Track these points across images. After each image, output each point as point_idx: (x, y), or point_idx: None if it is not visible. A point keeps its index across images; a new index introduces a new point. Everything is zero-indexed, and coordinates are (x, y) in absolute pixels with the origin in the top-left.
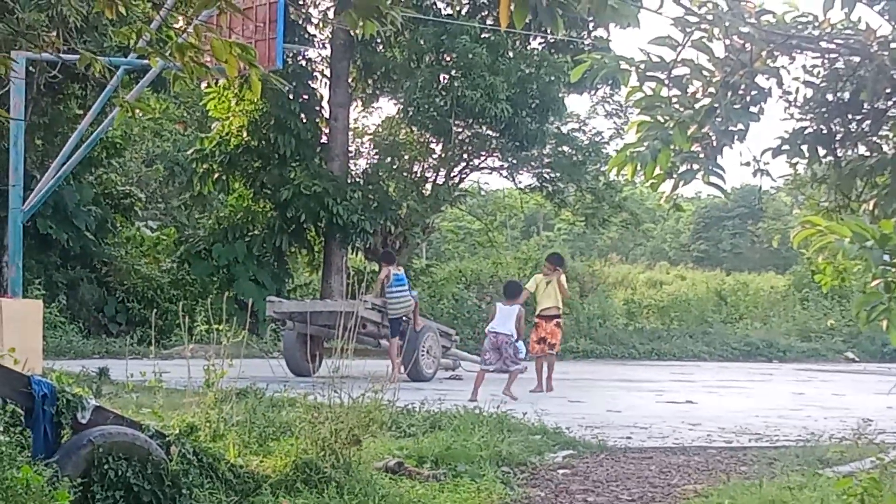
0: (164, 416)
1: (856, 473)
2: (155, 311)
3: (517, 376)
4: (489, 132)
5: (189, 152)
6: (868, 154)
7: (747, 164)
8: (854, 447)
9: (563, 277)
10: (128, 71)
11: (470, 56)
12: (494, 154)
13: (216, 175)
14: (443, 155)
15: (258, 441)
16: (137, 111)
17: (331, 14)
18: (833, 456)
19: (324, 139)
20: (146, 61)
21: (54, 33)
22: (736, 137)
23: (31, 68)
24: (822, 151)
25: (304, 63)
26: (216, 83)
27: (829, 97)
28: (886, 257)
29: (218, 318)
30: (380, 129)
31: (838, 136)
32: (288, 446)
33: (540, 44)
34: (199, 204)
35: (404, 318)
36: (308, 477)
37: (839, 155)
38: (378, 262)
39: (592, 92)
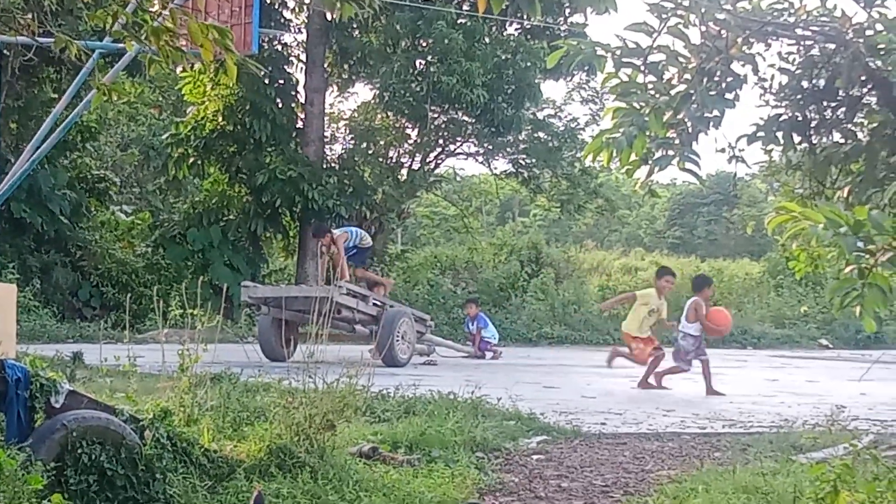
0: (138, 401)
1: (829, 460)
2: (129, 295)
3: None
4: (465, 118)
5: (164, 137)
6: (843, 141)
7: (722, 150)
8: (827, 433)
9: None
10: (103, 55)
11: (446, 41)
12: (470, 140)
13: (191, 159)
14: (418, 140)
15: (232, 426)
16: (113, 95)
17: None
18: (807, 442)
19: (299, 124)
20: (122, 45)
21: (29, 16)
22: (711, 124)
23: (5, 51)
24: (797, 138)
25: (279, 48)
26: (192, 67)
27: (805, 84)
28: (860, 244)
29: (192, 303)
30: (355, 115)
31: (813, 124)
32: (262, 431)
33: (516, 30)
34: (174, 188)
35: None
36: (282, 462)
37: (814, 142)
38: (316, 236)
39: (568, 78)
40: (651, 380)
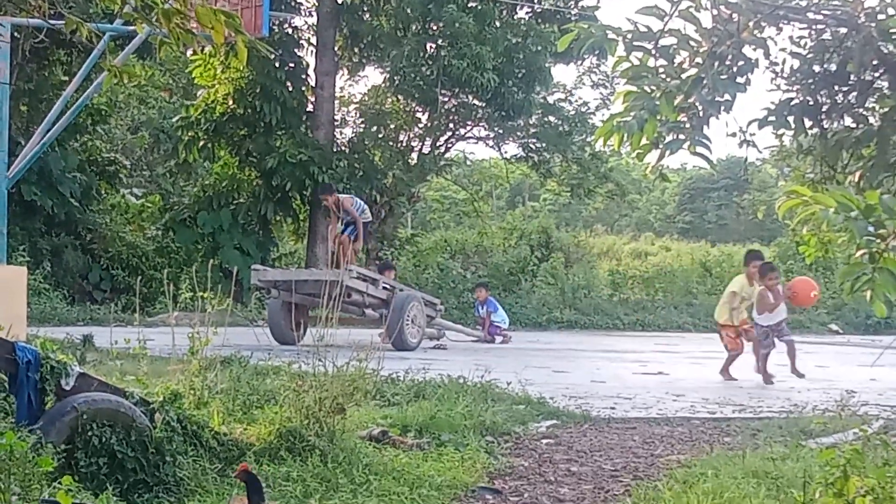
0: (149, 384)
1: (839, 445)
2: (139, 278)
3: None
4: (475, 102)
5: (174, 120)
6: (854, 126)
7: (733, 134)
8: (837, 419)
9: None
10: (113, 37)
11: (456, 25)
12: (480, 124)
13: (201, 143)
14: (429, 124)
15: (242, 409)
16: (124, 77)
17: None
18: (816, 427)
19: (310, 108)
20: (132, 27)
21: None
22: (722, 108)
23: (16, 34)
24: (808, 123)
25: (290, 31)
26: (202, 50)
27: (816, 68)
28: (871, 228)
29: (202, 286)
30: (366, 98)
31: (824, 108)
32: (272, 414)
33: (527, 13)
34: (185, 171)
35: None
36: (292, 445)
37: (825, 126)
38: (322, 194)
39: (579, 62)
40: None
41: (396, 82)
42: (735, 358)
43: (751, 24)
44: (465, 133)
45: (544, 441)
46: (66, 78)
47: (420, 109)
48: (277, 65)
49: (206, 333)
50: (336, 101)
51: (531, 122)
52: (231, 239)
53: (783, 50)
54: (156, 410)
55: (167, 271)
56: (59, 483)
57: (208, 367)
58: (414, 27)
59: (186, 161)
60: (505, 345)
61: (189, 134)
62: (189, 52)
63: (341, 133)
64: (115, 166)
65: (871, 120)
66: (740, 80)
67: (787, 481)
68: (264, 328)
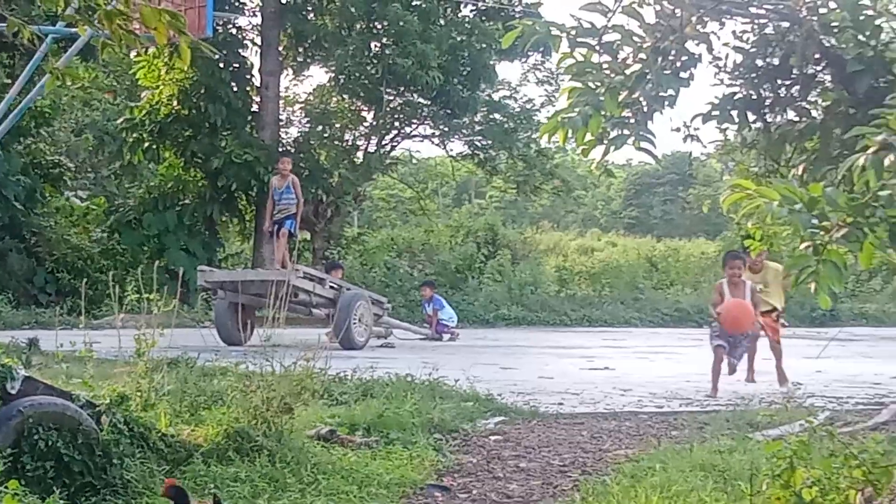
0: (95, 386)
1: (785, 437)
2: (85, 281)
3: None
4: (420, 100)
5: (119, 121)
6: (797, 119)
7: (678, 129)
8: (784, 411)
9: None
10: (56, 39)
11: (401, 24)
12: (426, 122)
13: (146, 144)
14: (374, 123)
15: (189, 410)
16: (67, 79)
17: None
18: (763, 420)
19: (255, 108)
20: (74, 29)
21: None
22: (666, 103)
23: None
24: (751, 117)
25: (234, 31)
26: (146, 52)
27: (759, 63)
28: (815, 221)
29: (148, 288)
30: (311, 98)
31: (768, 102)
32: (219, 415)
33: (471, 11)
34: (129, 173)
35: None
36: (240, 445)
37: (768, 120)
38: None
39: (524, 59)
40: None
41: (341, 81)
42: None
43: (693, 19)
44: (411, 131)
45: (492, 438)
46: (9, 81)
47: (365, 108)
48: (222, 65)
49: (153, 335)
50: (281, 101)
51: (476, 120)
52: (177, 240)
53: (726, 45)
54: (102, 413)
55: (113, 273)
56: (6, 487)
57: (155, 369)
58: (358, 26)
59: (131, 163)
60: (453, 342)
61: (133, 135)
62: (133, 54)
63: (286, 133)
64: (60, 169)
65: (814, 113)
66: (684, 75)
67: (735, 474)
68: (211, 329)
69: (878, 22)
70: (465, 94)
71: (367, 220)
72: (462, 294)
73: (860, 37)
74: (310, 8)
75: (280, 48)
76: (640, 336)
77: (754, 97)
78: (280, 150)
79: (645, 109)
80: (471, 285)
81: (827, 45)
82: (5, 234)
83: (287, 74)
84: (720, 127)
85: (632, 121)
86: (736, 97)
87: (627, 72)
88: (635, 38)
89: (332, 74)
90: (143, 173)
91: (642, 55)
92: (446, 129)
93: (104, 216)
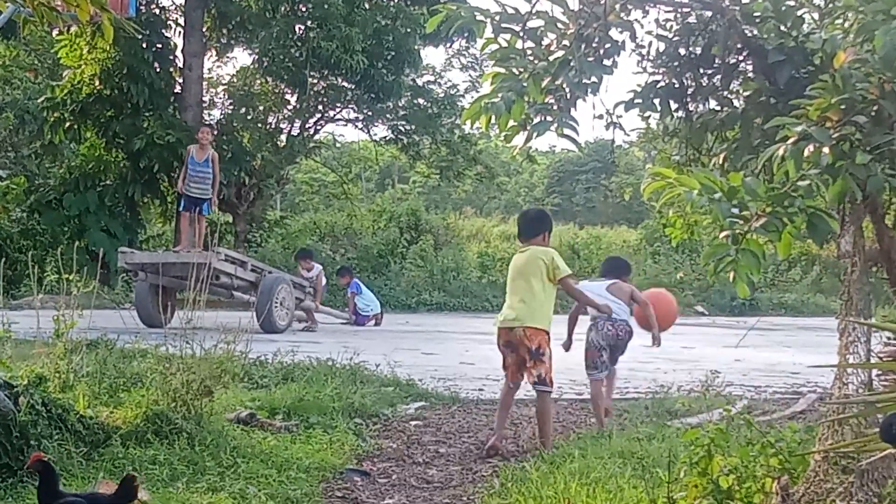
0: (13, 367)
1: (703, 425)
2: (3, 260)
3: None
4: (344, 84)
5: (40, 101)
6: (718, 108)
7: (600, 117)
8: (702, 399)
9: None
10: None
11: (326, 6)
12: (350, 106)
13: (67, 124)
14: (298, 106)
15: (108, 392)
16: None
17: None
18: (682, 408)
19: (177, 89)
20: None
21: None
22: (589, 90)
23: None
24: (673, 105)
25: (157, 11)
26: (68, 30)
27: (682, 51)
28: (734, 210)
29: (68, 269)
30: (234, 80)
31: (690, 91)
32: (139, 397)
33: None
34: (50, 153)
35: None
36: (159, 428)
37: (690, 109)
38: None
39: (448, 45)
40: None
41: (265, 64)
42: None
43: (617, 6)
44: (335, 115)
45: (413, 423)
46: None
47: (289, 91)
48: (145, 45)
49: (72, 316)
50: (204, 83)
51: (400, 105)
52: (98, 221)
53: (649, 33)
54: (20, 394)
55: (32, 254)
56: None
57: (74, 350)
58: (283, 8)
59: (52, 142)
60: (375, 327)
61: (55, 115)
62: (55, 32)
63: (210, 115)
64: None
65: (736, 103)
66: (607, 62)
67: (653, 461)
68: (131, 311)
69: (799, 13)
70: (390, 79)
71: (290, 204)
72: (384, 279)
73: (782, 27)
74: None
75: (204, 29)
76: (561, 323)
77: (677, 86)
78: None
79: (568, 96)
80: (393, 270)
81: (749, 34)
82: None
83: (210, 56)
84: (642, 115)
85: (555, 107)
86: (658, 85)
87: (551, 58)
88: (559, 25)
89: (256, 57)
90: (63, 153)
91: (566, 42)
92: (370, 113)
93: (24, 196)
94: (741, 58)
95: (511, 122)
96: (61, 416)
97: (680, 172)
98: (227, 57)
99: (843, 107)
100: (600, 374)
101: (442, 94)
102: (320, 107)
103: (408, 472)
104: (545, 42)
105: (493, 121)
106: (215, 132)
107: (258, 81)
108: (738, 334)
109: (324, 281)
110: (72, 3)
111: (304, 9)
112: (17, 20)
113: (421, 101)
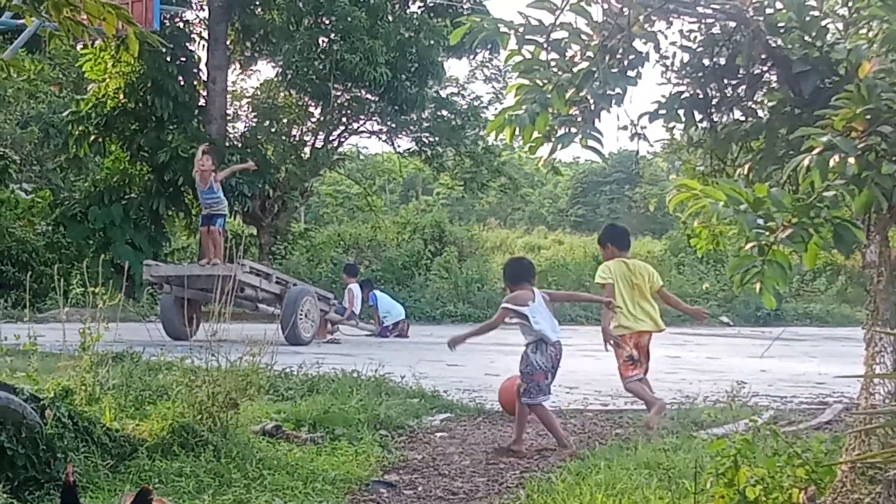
0: (39, 380)
1: (729, 435)
2: (29, 274)
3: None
4: (368, 96)
5: (65, 114)
6: (743, 119)
7: (625, 128)
8: (728, 409)
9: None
10: (1, 31)
11: (349, 19)
12: (373, 118)
13: (92, 137)
14: (321, 118)
15: (134, 405)
16: (13, 71)
17: None
18: (707, 418)
19: (202, 102)
20: (21, 20)
21: None
22: (613, 101)
23: None
24: (698, 116)
25: (181, 25)
26: (92, 44)
27: (706, 62)
28: (760, 221)
29: (94, 282)
30: (258, 93)
31: (714, 101)
32: (165, 410)
33: (419, 7)
34: (75, 166)
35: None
36: (185, 440)
37: (715, 119)
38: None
39: (472, 56)
40: None
41: (289, 76)
42: None
43: (641, 17)
44: (358, 127)
45: (438, 434)
46: None
47: (313, 104)
48: (169, 59)
49: (98, 329)
50: (228, 96)
51: (424, 117)
52: (122, 234)
53: (673, 44)
54: (46, 407)
55: (58, 267)
56: None
57: (100, 363)
58: (306, 21)
59: (77, 156)
60: (400, 338)
61: (79, 128)
62: (79, 46)
63: (233, 127)
64: (5, 161)
65: (760, 113)
66: (631, 73)
67: (679, 472)
68: (156, 323)
69: (824, 23)
70: (413, 91)
71: (314, 216)
72: (409, 291)
73: (806, 37)
74: (257, 3)
75: (227, 42)
76: (586, 334)
77: (701, 96)
78: (227, 145)
79: (592, 107)
80: (417, 282)
81: (773, 45)
82: None
83: (234, 69)
84: (667, 126)
85: (579, 119)
86: (683, 96)
87: (575, 69)
88: (583, 36)
89: (280, 69)
90: (88, 166)
91: (590, 53)
92: (394, 125)
93: (49, 209)
94: (765, 68)
95: (535, 134)
96: (87, 428)
97: (705, 183)
98: (251, 70)
99: (868, 117)
100: (546, 398)
101: (465, 106)
102: (344, 119)
103: (433, 483)
104: (569, 53)
105: (517, 132)
106: (214, 160)
107: (282, 94)
108: (763, 345)
109: (357, 303)
110: (98, 16)
111: (327, 22)
112: (42, 34)
113: (444, 112)
